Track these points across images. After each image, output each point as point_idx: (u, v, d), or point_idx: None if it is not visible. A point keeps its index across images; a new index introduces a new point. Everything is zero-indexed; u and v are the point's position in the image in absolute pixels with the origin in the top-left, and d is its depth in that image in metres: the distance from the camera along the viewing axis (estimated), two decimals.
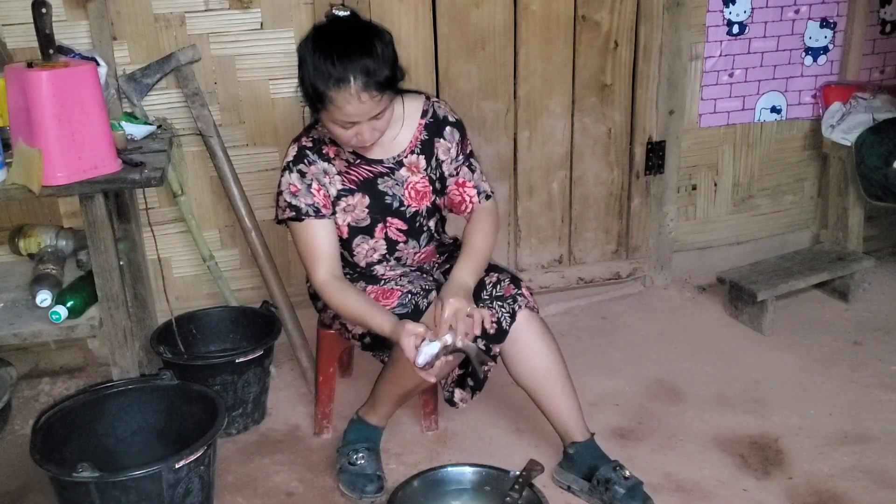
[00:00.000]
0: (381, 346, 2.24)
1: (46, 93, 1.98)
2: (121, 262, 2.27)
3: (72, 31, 2.58)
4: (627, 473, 2.15)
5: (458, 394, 2.25)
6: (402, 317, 2.09)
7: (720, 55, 3.21)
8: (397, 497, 2.04)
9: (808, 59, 3.31)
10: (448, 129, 2.19)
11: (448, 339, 1.93)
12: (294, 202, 2.10)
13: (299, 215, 2.10)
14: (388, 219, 2.19)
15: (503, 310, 2.11)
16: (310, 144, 2.13)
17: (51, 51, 2.08)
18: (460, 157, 2.21)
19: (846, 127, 3.20)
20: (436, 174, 2.21)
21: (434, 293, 2.14)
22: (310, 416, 2.60)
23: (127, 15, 2.64)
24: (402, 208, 2.19)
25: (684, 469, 2.35)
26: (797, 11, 3.23)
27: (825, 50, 3.32)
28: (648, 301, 3.34)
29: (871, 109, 3.21)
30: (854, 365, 2.84)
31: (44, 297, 2.24)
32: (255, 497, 2.29)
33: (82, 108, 2.04)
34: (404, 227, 2.21)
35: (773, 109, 3.35)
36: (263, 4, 2.73)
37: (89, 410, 2.19)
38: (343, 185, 2.15)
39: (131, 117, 2.55)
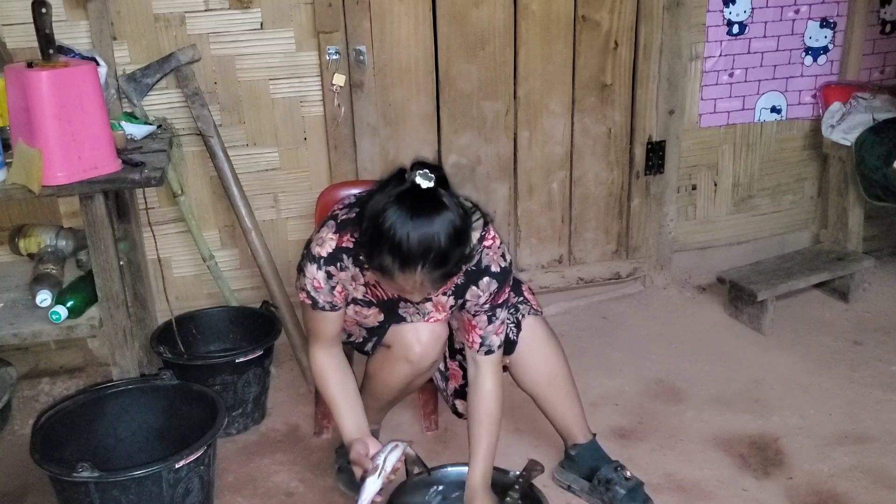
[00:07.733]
0: (362, 348, 2.21)
1: (46, 93, 1.98)
2: (121, 262, 2.27)
3: (72, 31, 2.58)
4: (628, 474, 2.16)
5: (460, 405, 2.24)
6: (380, 322, 2.05)
7: (720, 55, 3.21)
8: (397, 497, 2.04)
9: (808, 59, 3.31)
10: (486, 279, 1.97)
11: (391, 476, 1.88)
12: (314, 294, 1.98)
13: (315, 305, 2.00)
14: None
15: (508, 320, 2.09)
16: (350, 247, 1.91)
17: (51, 51, 2.07)
18: (486, 305, 2.01)
19: (846, 127, 3.20)
20: (458, 308, 2.07)
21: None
22: (310, 416, 2.60)
23: (127, 15, 2.64)
24: None
25: (684, 469, 2.35)
26: (797, 11, 3.23)
27: (825, 50, 3.32)
28: (648, 301, 3.34)
29: (871, 109, 3.21)
30: (854, 365, 2.84)
31: (44, 297, 2.24)
32: (255, 497, 2.29)
33: (82, 108, 2.04)
34: None
35: (774, 109, 3.35)
36: (263, 4, 2.73)
37: (89, 410, 2.19)
38: (364, 296, 2.03)
39: (131, 117, 2.55)
